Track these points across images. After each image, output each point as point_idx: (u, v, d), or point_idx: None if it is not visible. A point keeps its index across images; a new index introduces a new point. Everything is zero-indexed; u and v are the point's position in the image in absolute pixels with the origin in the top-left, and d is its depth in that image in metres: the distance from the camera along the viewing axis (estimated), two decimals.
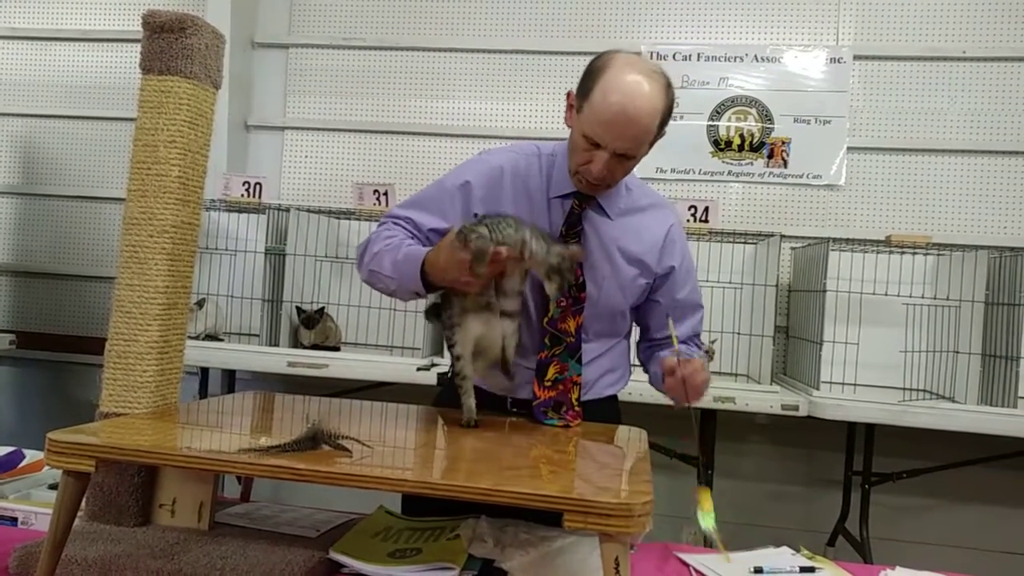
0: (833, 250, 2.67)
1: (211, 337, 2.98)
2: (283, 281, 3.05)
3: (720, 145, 3.21)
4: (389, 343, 3.04)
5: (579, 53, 3.20)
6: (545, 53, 3.33)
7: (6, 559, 1.19)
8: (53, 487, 1.52)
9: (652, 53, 3.23)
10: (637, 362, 1.76)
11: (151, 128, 1.40)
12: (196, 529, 1.34)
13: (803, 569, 1.37)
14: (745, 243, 2.98)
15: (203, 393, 3.08)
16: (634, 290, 1.61)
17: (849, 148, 3.15)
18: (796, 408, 2.52)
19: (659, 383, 1.63)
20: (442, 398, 1.69)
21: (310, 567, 1.19)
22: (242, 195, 3.02)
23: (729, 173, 3.21)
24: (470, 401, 1.43)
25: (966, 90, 3.10)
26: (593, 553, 1.18)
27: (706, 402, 2.54)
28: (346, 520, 1.46)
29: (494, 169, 1.57)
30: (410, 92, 3.42)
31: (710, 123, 3.21)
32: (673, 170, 3.22)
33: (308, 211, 3.06)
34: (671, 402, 1.63)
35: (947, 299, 2.81)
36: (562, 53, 3.30)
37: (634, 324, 1.72)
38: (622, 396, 1.72)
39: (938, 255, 2.90)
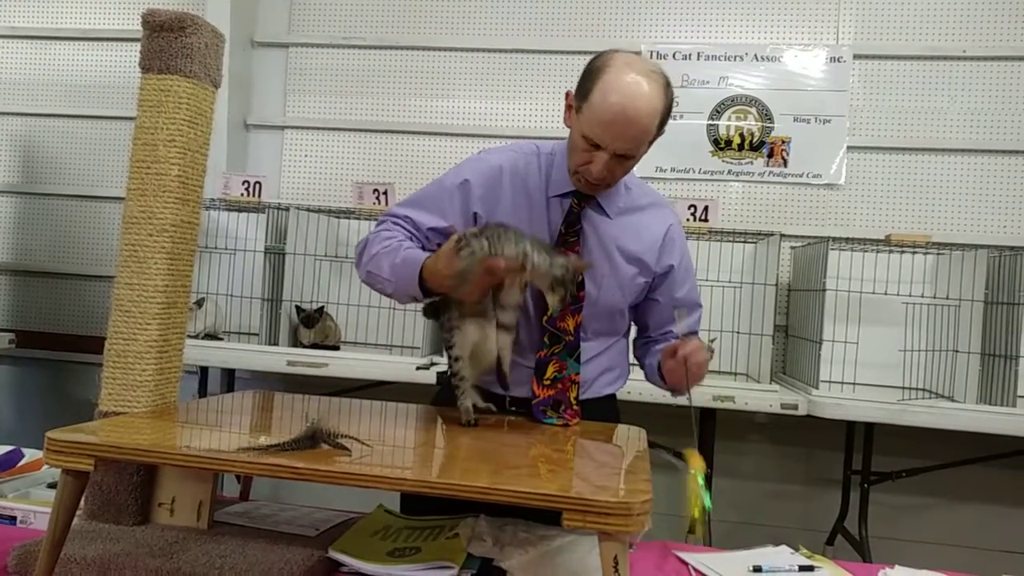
0: (833, 249, 2.67)
1: (211, 336, 2.98)
2: (283, 280, 3.05)
3: (720, 144, 3.21)
4: (388, 342, 3.04)
5: (579, 52, 3.20)
6: (545, 52, 3.33)
7: (5, 558, 1.19)
8: (52, 486, 1.52)
9: (652, 52, 3.23)
10: (636, 361, 1.77)
11: (151, 127, 1.40)
12: (195, 528, 1.34)
13: (802, 568, 1.37)
14: (745, 242, 2.99)
15: (202, 392, 3.08)
16: (633, 289, 1.61)
17: (849, 147, 3.15)
18: (795, 407, 2.52)
19: (655, 375, 1.63)
20: (441, 397, 1.69)
21: (309, 566, 1.19)
22: (242, 194, 3.02)
23: (729, 172, 3.21)
24: (467, 403, 1.43)
25: (966, 89, 3.10)
26: (592, 552, 1.18)
27: (705, 401, 2.55)
28: (345, 519, 1.46)
29: (493, 168, 1.57)
30: (410, 91, 3.42)
31: (710, 122, 3.21)
32: (673, 169, 3.22)
33: (308, 210, 3.06)
34: (668, 393, 1.64)
35: (946, 298, 2.81)
36: (562, 52, 3.30)
37: (632, 323, 1.72)
38: (621, 395, 1.72)
39: (937, 254, 2.91)
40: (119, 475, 1.33)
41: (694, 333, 1.70)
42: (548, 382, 1.53)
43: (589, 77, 1.43)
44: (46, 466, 1.61)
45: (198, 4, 3.35)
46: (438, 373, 2.60)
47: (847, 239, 2.93)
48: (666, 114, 1.45)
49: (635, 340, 1.76)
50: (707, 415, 2.73)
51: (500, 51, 3.36)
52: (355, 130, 3.44)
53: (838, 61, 3.15)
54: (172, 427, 1.30)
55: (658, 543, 1.47)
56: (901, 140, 3.13)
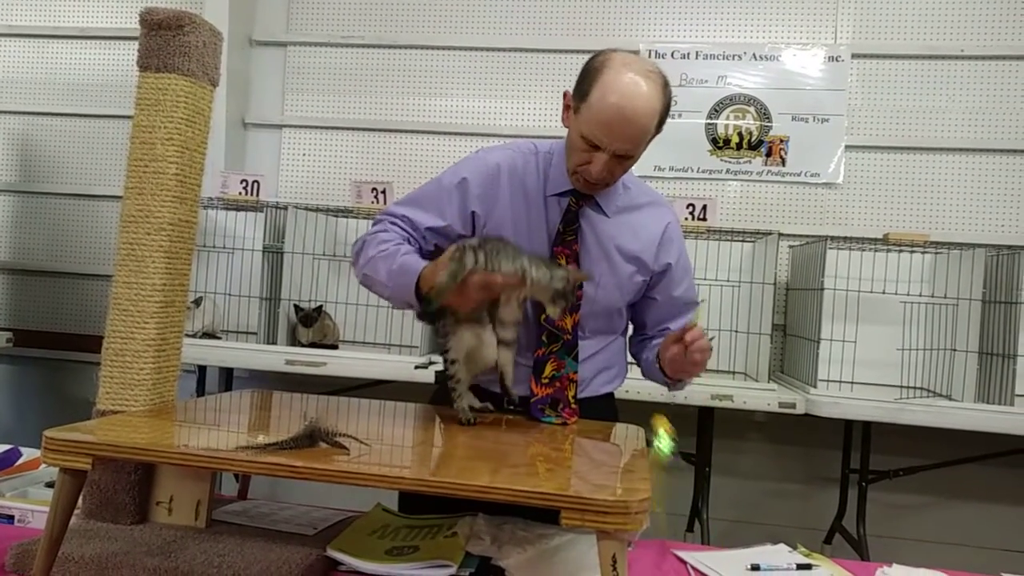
0: (831, 248, 2.68)
1: (209, 335, 2.98)
2: (281, 279, 3.05)
3: (718, 143, 3.21)
4: (387, 341, 3.04)
5: (577, 51, 3.19)
6: (543, 51, 3.33)
7: (3, 557, 1.19)
8: (50, 485, 1.52)
9: (650, 51, 3.23)
10: (633, 359, 1.77)
11: (148, 126, 1.40)
12: (193, 527, 1.34)
13: (800, 566, 1.37)
14: (743, 241, 2.99)
15: (200, 391, 3.08)
16: (631, 287, 1.61)
17: (847, 146, 3.15)
18: (793, 406, 2.52)
19: (652, 368, 1.63)
20: (439, 396, 1.69)
21: (307, 565, 1.19)
22: (240, 193, 3.02)
23: (727, 171, 3.21)
24: (464, 403, 1.43)
25: (964, 88, 3.11)
26: (590, 551, 1.18)
27: (704, 400, 2.55)
28: (343, 518, 1.46)
29: (491, 167, 1.57)
30: (408, 90, 3.42)
31: (708, 121, 3.21)
32: (671, 168, 3.22)
33: (306, 209, 3.06)
34: (665, 391, 1.63)
35: (944, 297, 2.81)
36: (560, 51, 3.30)
37: (629, 321, 1.72)
38: (619, 394, 1.72)
39: (936, 253, 2.91)
40: (117, 474, 1.33)
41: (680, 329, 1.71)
42: (546, 380, 1.53)
43: (587, 77, 1.43)
44: (44, 465, 1.61)
45: (196, 2, 3.35)
46: (436, 372, 2.59)
47: (845, 238, 2.94)
48: (664, 113, 1.45)
49: (632, 338, 1.76)
50: (705, 414, 2.74)
51: (499, 50, 3.36)
52: (353, 129, 3.44)
53: (836, 60, 3.15)
54: (170, 426, 1.30)
55: (656, 542, 1.47)
56: (899, 139, 3.13)
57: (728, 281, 2.95)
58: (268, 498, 1.61)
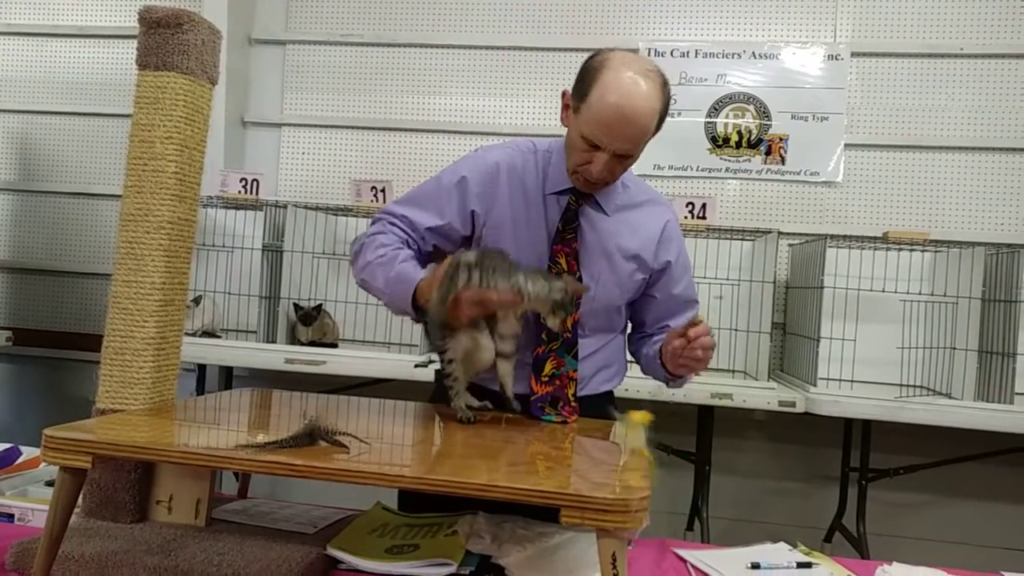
0: (830, 247, 2.68)
1: (208, 334, 2.97)
2: (280, 278, 3.05)
3: (718, 142, 3.21)
4: (387, 340, 3.04)
5: (577, 50, 3.19)
6: (543, 50, 3.33)
7: (3, 555, 1.19)
8: (50, 484, 1.51)
9: (650, 50, 3.23)
10: (632, 357, 1.76)
11: (147, 124, 1.40)
12: (193, 526, 1.34)
13: (800, 565, 1.37)
14: (743, 240, 2.99)
15: (200, 390, 3.08)
16: (630, 286, 1.61)
17: (847, 145, 3.15)
18: (793, 404, 2.52)
19: (653, 364, 1.63)
20: (438, 394, 1.69)
21: (307, 563, 1.19)
22: (239, 192, 3.02)
23: (727, 170, 3.21)
24: (461, 403, 1.42)
25: (963, 87, 3.10)
26: (590, 549, 1.18)
27: (704, 398, 2.55)
28: (343, 516, 1.46)
29: (490, 165, 1.57)
30: (408, 88, 3.42)
31: (708, 120, 3.21)
32: (671, 167, 3.22)
33: (305, 208, 3.06)
34: (664, 389, 1.63)
35: (944, 295, 2.81)
36: (560, 50, 3.30)
37: (628, 320, 1.72)
38: (619, 392, 1.72)
39: (935, 252, 2.91)
40: (117, 473, 1.33)
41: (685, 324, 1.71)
42: (546, 379, 1.53)
43: (586, 77, 1.43)
44: (44, 464, 1.61)
45: (195, 1, 3.34)
46: (436, 371, 2.60)
47: (845, 236, 2.94)
48: (664, 112, 1.45)
49: (631, 336, 1.76)
50: (705, 412, 2.74)
51: (498, 48, 3.36)
52: (353, 127, 3.44)
53: (836, 59, 3.15)
54: (170, 424, 1.30)
55: (656, 540, 1.47)
56: (899, 138, 3.13)
57: (728, 280, 2.94)
58: (268, 497, 1.61)
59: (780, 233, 2.85)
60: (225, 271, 3.04)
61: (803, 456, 3.13)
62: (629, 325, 1.74)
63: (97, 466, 1.10)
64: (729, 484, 3.09)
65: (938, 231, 3.02)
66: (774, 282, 2.83)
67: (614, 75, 1.40)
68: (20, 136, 3.64)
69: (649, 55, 3.19)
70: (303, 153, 3.47)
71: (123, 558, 1.15)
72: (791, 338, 3.04)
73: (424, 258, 1.61)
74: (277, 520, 1.40)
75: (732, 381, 2.75)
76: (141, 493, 1.34)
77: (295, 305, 2.97)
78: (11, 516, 1.40)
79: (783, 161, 3.17)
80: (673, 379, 1.62)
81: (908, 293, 2.79)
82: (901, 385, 2.82)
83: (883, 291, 2.79)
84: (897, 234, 2.69)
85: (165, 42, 1.40)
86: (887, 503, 3.01)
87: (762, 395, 2.57)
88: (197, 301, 2.94)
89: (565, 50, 3.27)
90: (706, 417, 2.74)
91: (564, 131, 1.54)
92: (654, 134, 1.47)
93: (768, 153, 3.18)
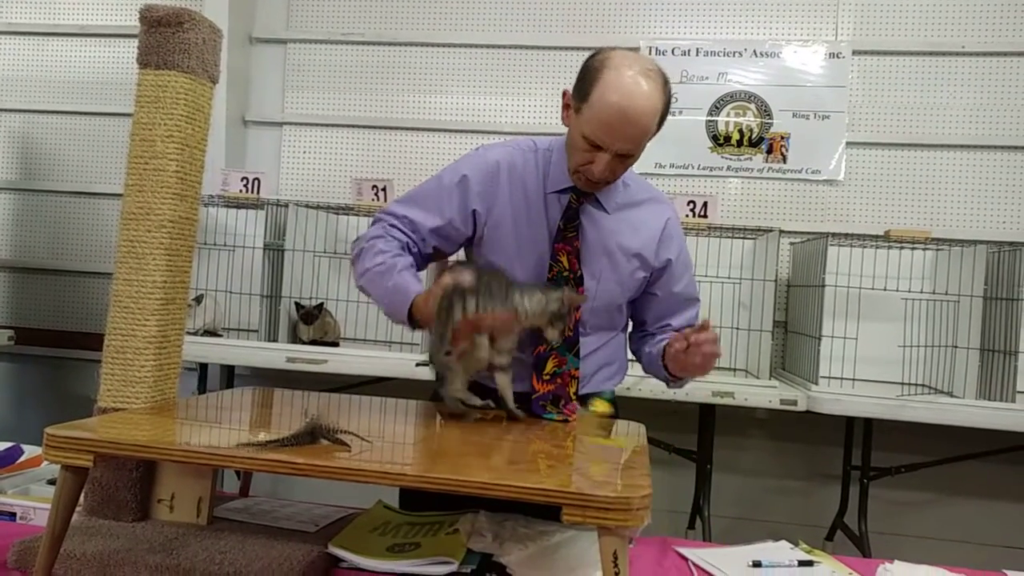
0: (832, 245, 2.67)
1: (210, 333, 2.98)
2: (282, 277, 3.05)
3: (719, 140, 3.21)
4: (388, 338, 3.04)
5: (577, 48, 3.19)
6: (543, 48, 3.32)
7: (5, 554, 1.19)
8: (52, 482, 1.52)
9: (650, 48, 3.22)
10: (633, 356, 1.76)
11: (148, 123, 1.40)
12: (195, 524, 1.34)
13: (802, 563, 1.37)
14: (744, 238, 2.98)
15: (202, 389, 3.08)
16: (632, 284, 1.61)
17: (848, 143, 3.15)
18: (795, 403, 2.52)
19: (654, 363, 1.63)
20: (439, 393, 1.69)
21: (309, 561, 1.19)
22: (240, 191, 3.02)
23: (728, 168, 3.20)
24: (455, 391, 1.42)
25: (965, 85, 3.10)
26: (592, 547, 1.18)
27: (705, 397, 2.55)
28: (345, 515, 1.46)
29: (490, 165, 1.57)
30: (408, 87, 3.42)
31: (709, 118, 3.21)
32: (672, 165, 3.21)
33: (307, 207, 3.06)
34: (665, 388, 1.63)
35: (946, 294, 2.81)
36: (560, 48, 3.29)
37: (629, 318, 1.72)
38: (620, 391, 1.72)
39: (937, 250, 2.91)
40: (118, 471, 1.33)
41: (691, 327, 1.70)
42: (547, 377, 1.53)
43: (587, 77, 1.43)
44: (45, 462, 1.61)
45: (196, 0, 3.35)
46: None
47: (846, 235, 2.93)
48: (665, 111, 1.45)
49: (632, 334, 1.76)
50: (707, 411, 2.74)
51: (498, 47, 3.36)
52: (354, 126, 3.44)
53: (837, 57, 3.15)
54: (171, 423, 1.30)
55: (658, 538, 1.47)
56: (900, 136, 3.13)
57: (729, 278, 2.94)
58: (269, 495, 1.61)
59: (781, 231, 2.85)
60: (226, 270, 3.04)
61: (805, 454, 3.12)
62: (630, 323, 1.74)
63: (99, 465, 1.10)
64: (731, 482, 3.09)
65: (940, 229, 3.01)
66: (775, 280, 2.82)
67: (615, 75, 1.40)
68: (21, 135, 3.64)
69: (650, 53, 3.19)
70: (304, 152, 3.47)
71: (125, 556, 1.16)
72: (793, 336, 3.04)
73: (424, 260, 1.61)
74: (279, 519, 1.41)
75: (733, 379, 2.75)
76: (143, 492, 1.34)
77: (296, 304, 2.98)
78: (13, 515, 1.40)
79: (784, 159, 3.17)
80: (674, 380, 1.62)
81: (910, 291, 2.79)
82: (903, 383, 2.82)
83: (884, 289, 2.79)
84: (899, 232, 2.68)
85: (166, 41, 1.40)
86: (889, 501, 3.00)
87: (764, 393, 2.57)
88: (199, 300, 2.94)
89: (566, 48, 3.27)
90: (707, 415, 2.74)
91: (565, 129, 1.54)
92: (655, 133, 1.47)
93: (769, 151, 3.18)
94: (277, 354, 2.76)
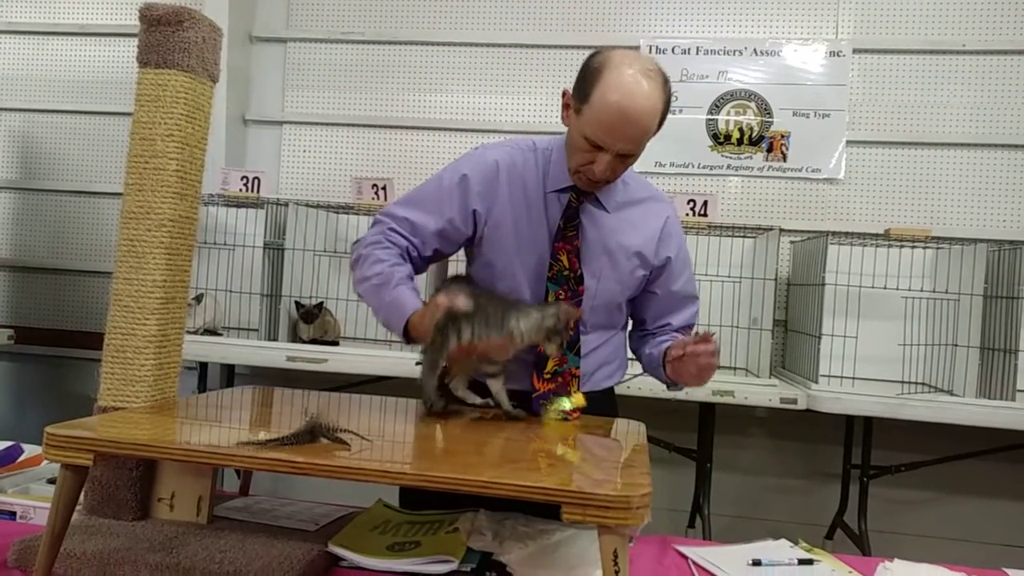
0: (832, 244, 2.67)
1: (210, 332, 2.98)
2: (282, 276, 3.05)
3: (719, 139, 3.20)
4: (388, 337, 3.03)
5: (578, 47, 3.20)
6: (543, 47, 3.32)
7: (5, 553, 1.19)
8: (52, 481, 1.52)
9: (651, 47, 3.22)
10: (633, 355, 1.76)
11: (148, 122, 1.40)
12: (195, 523, 1.34)
13: (801, 561, 1.37)
14: (744, 237, 2.98)
15: (202, 388, 3.09)
16: (632, 282, 1.61)
17: (848, 142, 3.14)
18: (795, 401, 2.52)
19: (655, 365, 1.63)
20: (440, 392, 1.69)
21: (309, 560, 1.19)
22: (240, 189, 3.02)
23: (728, 167, 3.20)
24: (431, 388, 1.43)
25: (966, 83, 3.10)
26: (592, 546, 1.18)
27: (705, 395, 2.55)
28: (345, 513, 1.46)
29: (489, 164, 1.57)
30: (409, 86, 3.42)
31: (709, 117, 3.21)
32: (672, 164, 3.21)
33: (307, 206, 3.06)
34: (664, 385, 1.64)
35: (946, 292, 2.81)
36: (560, 47, 3.29)
37: (629, 316, 1.72)
38: (620, 390, 1.72)
39: (937, 248, 2.91)
40: (118, 470, 1.33)
41: (690, 326, 1.71)
42: (548, 376, 1.53)
43: (588, 78, 1.43)
44: (46, 461, 1.61)
45: None
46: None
47: (846, 233, 2.93)
48: (665, 111, 1.46)
49: (632, 333, 1.76)
50: (707, 410, 2.74)
51: (499, 46, 3.36)
52: (354, 125, 3.44)
53: (837, 55, 3.14)
54: (171, 422, 1.30)
55: (657, 537, 1.47)
56: (900, 134, 3.13)
57: (729, 277, 2.94)
58: (270, 494, 1.61)
59: (781, 230, 2.85)
60: (226, 269, 3.04)
61: (804, 453, 3.12)
62: (629, 322, 1.74)
63: (99, 464, 1.10)
64: (731, 481, 3.09)
65: (940, 228, 3.01)
66: (775, 279, 2.82)
67: (616, 75, 1.40)
68: (21, 134, 3.64)
69: (650, 52, 3.19)
70: (304, 151, 3.47)
71: (125, 555, 1.16)
72: (793, 335, 3.04)
73: (424, 262, 1.61)
74: (279, 517, 1.41)
75: (734, 378, 2.75)
76: (143, 490, 1.34)
77: (296, 303, 2.98)
78: (13, 514, 1.40)
79: (784, 158, 3.17)
80: (672, 383, 1.62)
81: (910, 290, 2.79)
82: (903, 382, 2.82)
83: (885, 288, 2.79)
84: (899, 231, 2.68)
85: (166, 40, 1.40)
86: (888, 500, 3.00)
87: (764, 392, 2.57)
88: (199, 299, 2.94)
89: (566, 47, 3.27)
90: (707, 414, 2.74)
91: (565, 129, 1.54)
92: (656, 132, 1.47)
93: (770, 150, 3.18)
94: (277, 353, 2.76)
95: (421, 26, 3.41)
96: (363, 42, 3.44)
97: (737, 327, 2.91)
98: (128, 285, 1.38)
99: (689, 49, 3.22)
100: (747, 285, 2.93)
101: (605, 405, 1.65)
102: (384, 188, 2.94)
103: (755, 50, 3.19)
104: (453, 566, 1.19)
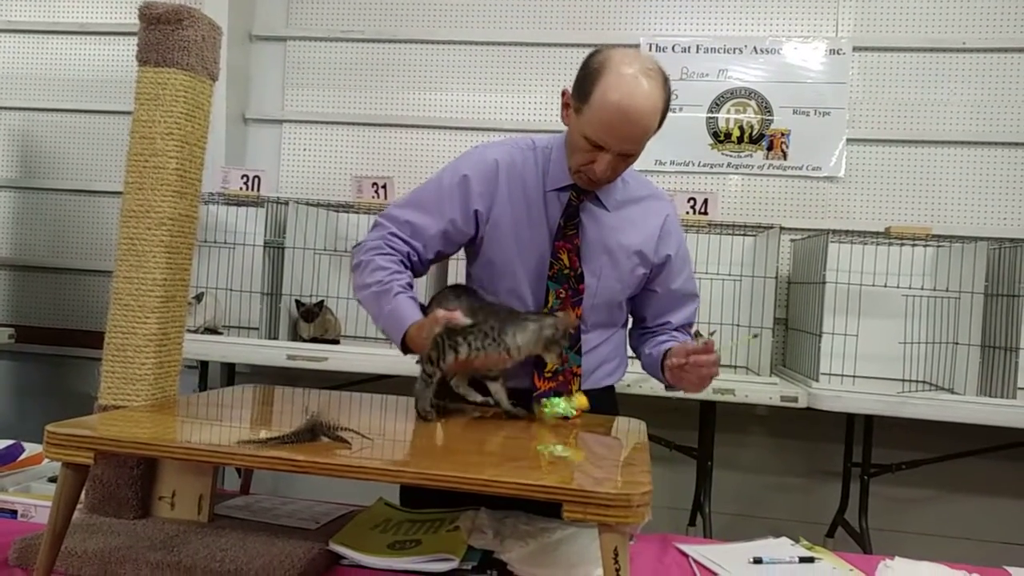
0: (832, 242, 2.67)
1: (210, 331, 2.98)
2: (282, 274, 3.05)
3: (719, 137, 3.20)
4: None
5: (578, 45, 3.20)
6: (543, 45, 3.32)
7: (6, 551, 1.20)
8: (53, 480, 1.52)
9: (650, 45, 3.22)
10: (633, 353, 1.76)
11: (148, 120, 1.40)
12: (196, 521, 1.34)
13: (802, 559, 1.37)
14: (744, 235, 2.98)
15: (203, 387, 3.09)
16: (632, 281, 1.61)
17: (848, 140, 3.14)
18: (795, 400, 2.52)
19: (654, 367, 1.63)
20: (440, 391, 1.68)
21: (310, 559, 1.19)
22: (240, 188, 3.01)
23: (728, 165, 3.20)
24: (426, 402, 1.40)
25: (966, 81, 3.10)
26: (592, 544, 1.18)
27: (706, 394, 2.54)
28: (345, 512, 1.46)
29: (490, 164, 1.57)
30: (408, 85, 3.41)
31: (709, 115, 3.20)
32: (672, 162, 3.21)
33: (307, 204, 3.05)
34: (663, 386, 1.64)
35: (946, 290, 2.81)
36: (560, 45, 3.29)
37: (629, 314, 1.72)
38: (620, 388, 1.72)
39: (937, 247, 2.90)
40: (119, 469, 1.33)
41: (690, 324, 1.71)
42: (549, 374, 1.54)
43: (588, 78, 1.43)
44: (46, 460, 1.61)
45: None
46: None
47: (847, 232, 2.93)
48: (665, 110, 1.46)
49: (632, 332, 1.76)
50: (707, 408, 2.74)
51: (499, 44, 3.35)
52: (354, 124, 3.44)
53: (838, 53, 3.14)
54: (172, 421, 1.30)
55: (658, 535, 1.47)
56: (901, 132, 3.12)
57: (729, 275, 2.94)
58: (270, 493, 1.61)
59: (782, 228, 2.85)
60: (227, 268, 3.04)
61: (805, 451, 3.13)
62: (630, 319, 1.74)
63: (99, 462, 1.10)
64: (731, 479, 3.09)
65: (940, 226, 3.01)
66: (776, 277, 2.82)
67: (616, 75, 1.40)
68: (21, 133, 3.64)
69: (650, 50, 3.19)
70: (304, 149, 3.47)
71: (126, 554, 1.16)
72: (793, 333, 3.04)
73: (425, 265, 1.61)
74: (279, 516, 1.41)
75: (734, 376, 2.75)
76: (143, 489, 1.35)
77: (297, 301, 2.98)
78: (14, 512, 1.40)
79: (785, 156, 3.17)
80: (671, 386, 1.62)
81: (910, 288, 2.79)
82: (903, 380, 2.82)
83: (885, 286, 2.78)
84: (899, 229, 2.68)
85: (165, 38, 1.40)
86: (889, 498, 3.01)
87: (764, 390, 2.56)
88: (199, 298, 2.94)
89: (566, 46, 3.27)
90: (708, 412, 2.74)
91: (565, 127, 1.54)
92: (656, 131, 1.47)
93: (770, 148, 3.18)
94: (277, 352, 2.76)
95: (421, 24, 3.41)
96: (363, 40, 3.44)
97: (738, 325, 2.91)
98: (128, 284, 1.38)
99: (689, 47, 3.22)
100: (747, 283, 2.93)
101: (606, 403, 1.65)
102: (384, 187, 2.94)
103: (755, 48, 3.19)
104: (454, 564, 1.19)
